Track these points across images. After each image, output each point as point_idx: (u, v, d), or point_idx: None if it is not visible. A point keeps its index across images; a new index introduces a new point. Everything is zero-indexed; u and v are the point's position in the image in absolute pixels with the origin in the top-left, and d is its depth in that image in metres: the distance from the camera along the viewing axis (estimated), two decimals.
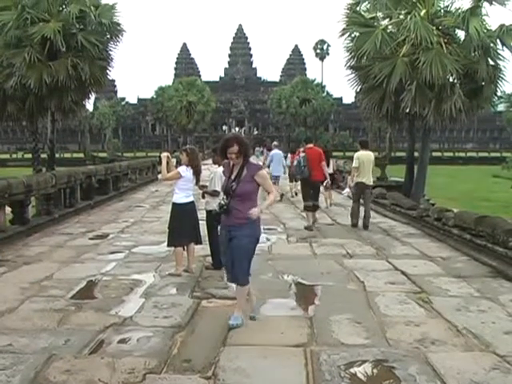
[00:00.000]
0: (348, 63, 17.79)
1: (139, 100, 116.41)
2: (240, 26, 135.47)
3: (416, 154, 19.53)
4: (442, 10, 17.48)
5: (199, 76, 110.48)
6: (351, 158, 14.34)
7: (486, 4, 16.64)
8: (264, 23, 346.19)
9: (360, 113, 60.93)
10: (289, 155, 22.71)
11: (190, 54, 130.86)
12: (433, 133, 19.72)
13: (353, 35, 17.44)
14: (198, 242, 8.87)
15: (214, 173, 8.70)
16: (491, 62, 16.55)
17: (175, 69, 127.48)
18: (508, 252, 8.70)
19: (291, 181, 21.17)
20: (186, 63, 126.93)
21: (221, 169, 7.58)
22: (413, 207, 14.38)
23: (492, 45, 16.36)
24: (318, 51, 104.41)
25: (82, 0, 18.39)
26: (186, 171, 8.50)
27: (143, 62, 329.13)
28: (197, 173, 8.62)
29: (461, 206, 17.18)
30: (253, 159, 6.55)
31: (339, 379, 4.75)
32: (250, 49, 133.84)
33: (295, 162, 13.75)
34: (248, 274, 6.19)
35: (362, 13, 17.71)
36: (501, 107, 77.32)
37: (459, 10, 16.61)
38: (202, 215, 9.00)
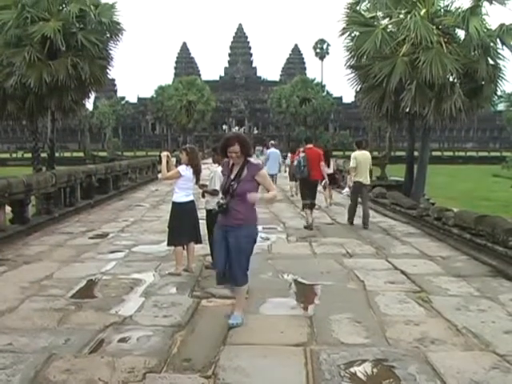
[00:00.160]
0: (348, 62, 17.79)
1: (139, 99, 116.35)
2: (240, 25, 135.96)
3: (416, 153, 19.53)
4: (442, 10, 17.47)
5: (199, 75, 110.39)
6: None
7: (485, 3, 16.64)
8: (264, 23, 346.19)
9: (360, 112, 60.94)
10: (289, 155, 22.73)
11: (189, 54, 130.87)
12: (433, 132, 19.73)
13: (353, 34, 17.43)
14: (198, 241, 8.87)
15: (213, 172, 8.69)
16: (491, 62, 16.54)
17: (175, 68, 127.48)
18: (508, 251, 8.71)
19: (291, 180, 21.19)
20: (185, 62, 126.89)
21: (221, 168, 7.57)
22: (413, 206, 14.39)
23: (492, 44, 16.36)
24: (318, 50, 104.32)
25: None
26: (185, 170, 8.50)
27: (143, 61, 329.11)
28: (197, 172, 8.63)
29: (461, 206, 17.17)
30: (253, 159, 6.51)
31: (339, 378, 4.75)
32: (249, 48, 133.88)
33: (295, 162, 13.81)
34: (246, 273, 6.16)
35: (362, 12, 17.71)
36: (501, 106, 77.36)
37: (459, 10, 16.60)
38: (201, 214, 9.00)
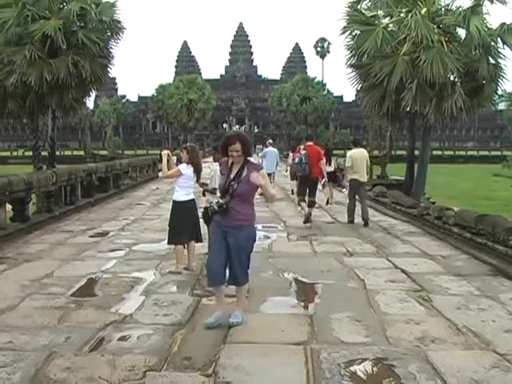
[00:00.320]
0: (349, 61, 17.76)
1: (140, 98, 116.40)
2: (241, 23, 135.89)
3: (416, 152, 19.51)
4: (443, 9, 17.45)
5: (200, 74, 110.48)
6: None
7: (486, 2, 16.61)
8: (265, 21, 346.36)
9: (360, 111, 60.93)
10: (290, 154, 22.72)
11: (190, 52, 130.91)
12: (433, 131, 19.73)
13: (353, 33, 17.41)
14: (199, 239, 8.87)
15: (214, 171, 8.68)
16: (492, 61, 16.52)
17: (176, 66, 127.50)
18: (508, 250, 8.70)
19: (292, 179, 21.18)
20: (186, 61, 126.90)
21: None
22: (413, 206, 14.40)
23: (493, 43, 16.33)
24: (319, 49, 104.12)
25: None
26: (186, 169, 8.51)
27: (144, 60, 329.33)
28: (197, 171, 8.63)
29: (461, 205, 17.16)
30: (253, 158, 6.49)
31: (339, 377, 4.75)
32: (250, 47, 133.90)
33: (296, 160, 13.82)
34: (247, 272, 6.14)
35: (363, 11, 17.69)
36: (501, 106, 77.46)
37: (460, 9, 16.59)
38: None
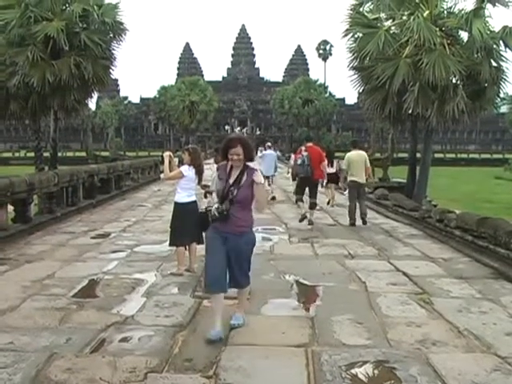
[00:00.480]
0: (351, 64, 17.77)
1: (142, 99, 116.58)
2: (243, 26, 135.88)
3: (418, 155, 19.52)
4: (445, 11, 17.44)
5: (202, 76, 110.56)
6: None
7: (489, 5, 16.60)
8: (267, 23, 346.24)
9: (362, 113, 60.85)
10: (292, 156, 22.73)
11: (192, 54, 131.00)
12: (435, 134, 19.72)
13: (356, 36, 17.43)
14: (200, 241, 8.83)
15: (216, 172, 8.68)
16: (494, 64, 16.51)
17: (178, 68, 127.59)
18: (510, 253, 8.69)
19: (294, 180, 21.16)
20: (188, 63, 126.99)
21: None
22: (415, 208, 14.39)
23: (495, 46, 16.31)
24: (321, 52, 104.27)
25: None
26: (188, 170, 8.51)
27: (146, 62, 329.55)
28: (199, 172, 8.64)
29: (463, 208, 17.14)
30: (255, 162, 6.44)
31: (340, 380, 4.74)
32: (252, 49, 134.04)
33: (299, 161, 13.80)
34: (248, 275, 6.08)
35: (365, 14, 17.68)
36: (503, 109, 77.53)
37: (462, 12, 16.57)
38: None
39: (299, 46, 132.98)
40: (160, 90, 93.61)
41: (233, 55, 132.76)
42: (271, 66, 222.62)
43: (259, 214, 5.87)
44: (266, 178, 19.03)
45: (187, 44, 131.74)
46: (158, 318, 6.40)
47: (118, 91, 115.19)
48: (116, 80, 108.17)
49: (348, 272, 8.87)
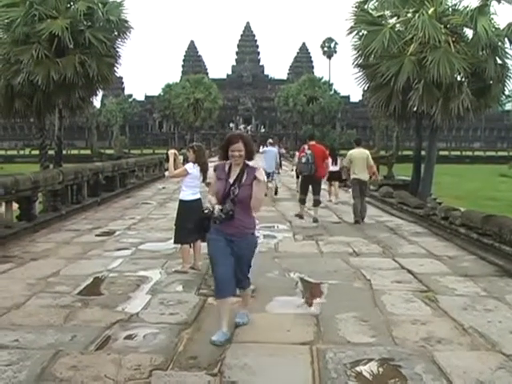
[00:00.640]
0: (355, 61, 17.77)
1: (146, 97, 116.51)
2: (248, 23, 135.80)
3: (423, 152, 19.49)
4: (450, 9, 17.42)
5: (206, 73, 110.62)
6: None
7: (494, 2, 16.62)
8: (272, 21, 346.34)
9: (367, 111, 60.89)
10: (296, 153, 22.74)
11: (197, 52, 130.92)
12: (440, 131, 19.66)
13: (360, 33, 17.43)
14: (205, 239, 8.85)
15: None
16: (499, 61, 16.50)
17: (182, 66, 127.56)
18: None
19: (298, 177, 21.17)
20: (193, 60, 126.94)
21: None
22: (420, 206, 14.38)
23: (500, 44, 16.32)
24: (326, 49, 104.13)
25: None
26: (192, 168, 8.52)
27: (151, 59, 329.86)
28: (204, 170, 8.63)
29: (468, 205, 17.11)
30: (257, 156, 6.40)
31: (345, 377, 4.74)
32: (257, 46, 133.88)
33: (303, 159, 13.82)
34: (248, 277, 6.00)
35: (370, 11, 17.69)
36: (508, 106, 77.09)
37: (467, 9, 16.57)
38: None
39: (304, 44, 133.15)
40: (165, 87, 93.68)
41: (237, 53, 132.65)
42: (276, 64, 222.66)
43: (255, 212, 5.80)
44: (267, 174, 19.05)
45: (192, 42, 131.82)
46: (163, 316, 6.41)
47: (123, 89, 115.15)
48: (121, 78, 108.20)
49: (353, 270, 8.86)
